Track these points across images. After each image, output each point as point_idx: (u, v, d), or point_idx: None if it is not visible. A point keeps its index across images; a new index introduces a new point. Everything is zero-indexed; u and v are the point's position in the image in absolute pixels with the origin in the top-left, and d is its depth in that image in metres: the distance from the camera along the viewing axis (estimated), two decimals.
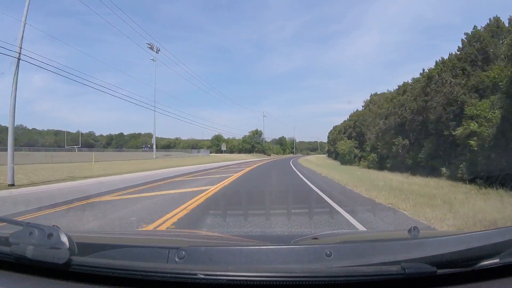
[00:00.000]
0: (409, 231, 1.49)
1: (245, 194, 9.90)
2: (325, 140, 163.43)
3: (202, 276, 1.06)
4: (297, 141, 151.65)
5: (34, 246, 1.15)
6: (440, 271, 1.09)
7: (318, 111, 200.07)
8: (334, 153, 65.74)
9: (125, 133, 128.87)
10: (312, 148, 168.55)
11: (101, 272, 1.16)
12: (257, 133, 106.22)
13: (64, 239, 1.15)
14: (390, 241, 1.54)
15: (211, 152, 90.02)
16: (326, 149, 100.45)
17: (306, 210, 6.64)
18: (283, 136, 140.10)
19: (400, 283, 1.08)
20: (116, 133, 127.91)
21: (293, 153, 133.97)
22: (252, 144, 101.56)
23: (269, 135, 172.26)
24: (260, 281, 1.07)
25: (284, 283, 1.06)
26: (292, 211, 6.46)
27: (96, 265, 1.18)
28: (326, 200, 8.44)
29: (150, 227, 5.38)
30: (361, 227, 5.29)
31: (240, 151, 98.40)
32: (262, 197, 9.06)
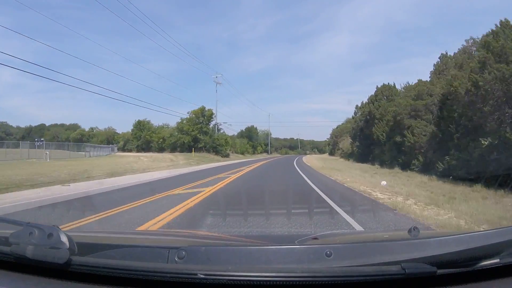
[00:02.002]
0: (409, 231, 1.49)
1: None
2: (306, 138, 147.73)
3: (202, 276, 1.06)
4: (272, 136, 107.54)
5: (34, 246, 1.15)
6: (440, 271, 1.09)
7: (290, 110, 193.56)
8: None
9: (47, 124, 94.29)
10: (290, 146, 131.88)
11: (101, 272, 1.16)
12: (203, 115, 55.45)
13: (64, 239, 1.15)
14: (390, 241, 1.54)
15: (124, 150, 58.48)
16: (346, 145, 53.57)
17: None
18: (252, 126, 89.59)
19: (400, 283, 1.08)
20: (37, 125, 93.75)
21: (267, 152, 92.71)
22: (194, 134, 52.88)
23: (228, 121, 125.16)
24: (260, 281, 1.07)
25: (284, 283, 1.06)
26: None
27: (96, 265, 1.18)
28: None
29: None
30: None
31: (173, 147, 53.91)
32: None
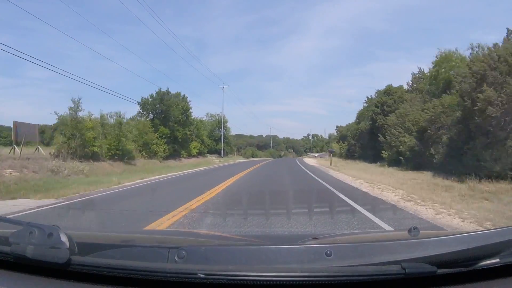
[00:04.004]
0: (409, 231, 1.49)
1: None
2: (282, 134, 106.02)
3: (202, 275, 1.06)
4: (232, 133, 66.33)
5: (34, 246, 1.15)
6: (440, 271, 1.09)
7: (257, 111, 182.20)
8: None
9: None
10: (259, 145, 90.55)
11: (101, 272, 1.16)
12: None
13: (64, 238, 1.15)
14: (390, 241, 1.54)
15: None
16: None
17: None
18: (177, 93, 37.49)
19: (400, 283, 1.08)
20: None
21: (219, 153, 51.81)
22: None
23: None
24: (260, 280, 1.07)
25: (284, 282, 1.07)
26: None
27: (96, 265, 1.18)
28: None
29: None
30: None
31: None
32: None
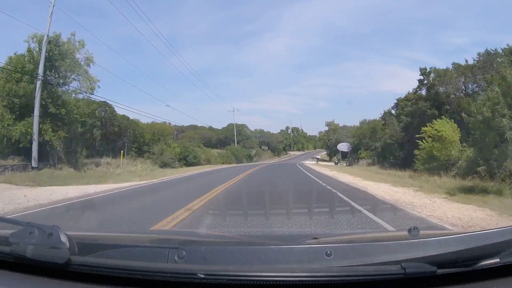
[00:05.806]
0: (409, 231, 1.49)
1: None
2: (253, 125, 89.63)
3: (202, 275, 1.06)
4: (184, 124, 54.45)
5: (34, 246, 1.15)
6: (440, 271, 1.09)
7: (228, 109, 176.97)
8: None
9: None
10: (220, 139, 65.33)
11: (101, 272, 1.16)
12: None
13: (64, 238, 1.15)
14: (390, 241, 1.53)
15: None
16: None
17: None
18: None
19: (400, 282, 1.08)
20: None
21: (118, 165, 19.79)
22: None
23: None
24: (260, 280, 1.07)
25: (284, 282, 1.06)
26: None
27: (96, 265, 1.18)
28: None
29: None
30: None
31: None
32: None
